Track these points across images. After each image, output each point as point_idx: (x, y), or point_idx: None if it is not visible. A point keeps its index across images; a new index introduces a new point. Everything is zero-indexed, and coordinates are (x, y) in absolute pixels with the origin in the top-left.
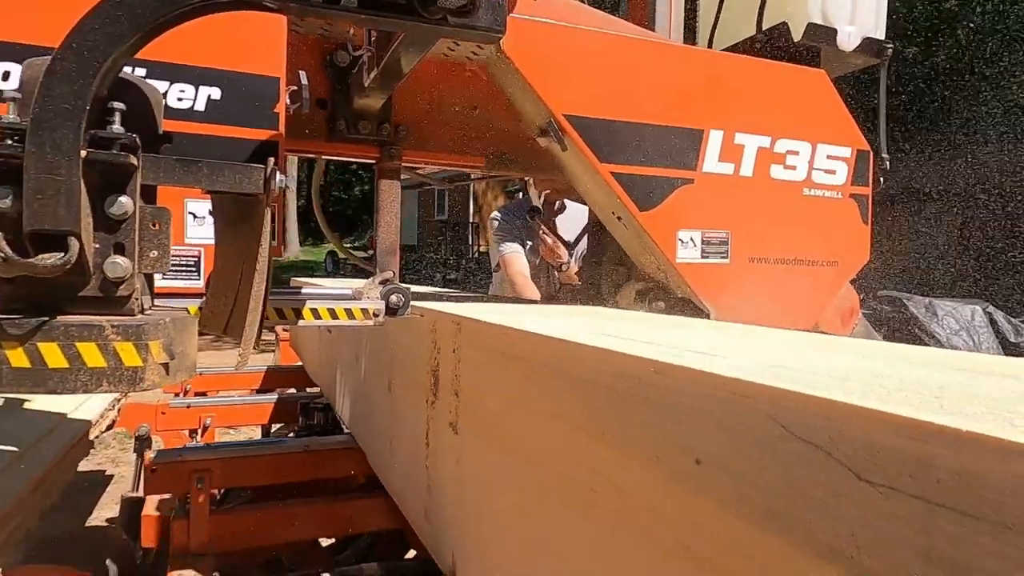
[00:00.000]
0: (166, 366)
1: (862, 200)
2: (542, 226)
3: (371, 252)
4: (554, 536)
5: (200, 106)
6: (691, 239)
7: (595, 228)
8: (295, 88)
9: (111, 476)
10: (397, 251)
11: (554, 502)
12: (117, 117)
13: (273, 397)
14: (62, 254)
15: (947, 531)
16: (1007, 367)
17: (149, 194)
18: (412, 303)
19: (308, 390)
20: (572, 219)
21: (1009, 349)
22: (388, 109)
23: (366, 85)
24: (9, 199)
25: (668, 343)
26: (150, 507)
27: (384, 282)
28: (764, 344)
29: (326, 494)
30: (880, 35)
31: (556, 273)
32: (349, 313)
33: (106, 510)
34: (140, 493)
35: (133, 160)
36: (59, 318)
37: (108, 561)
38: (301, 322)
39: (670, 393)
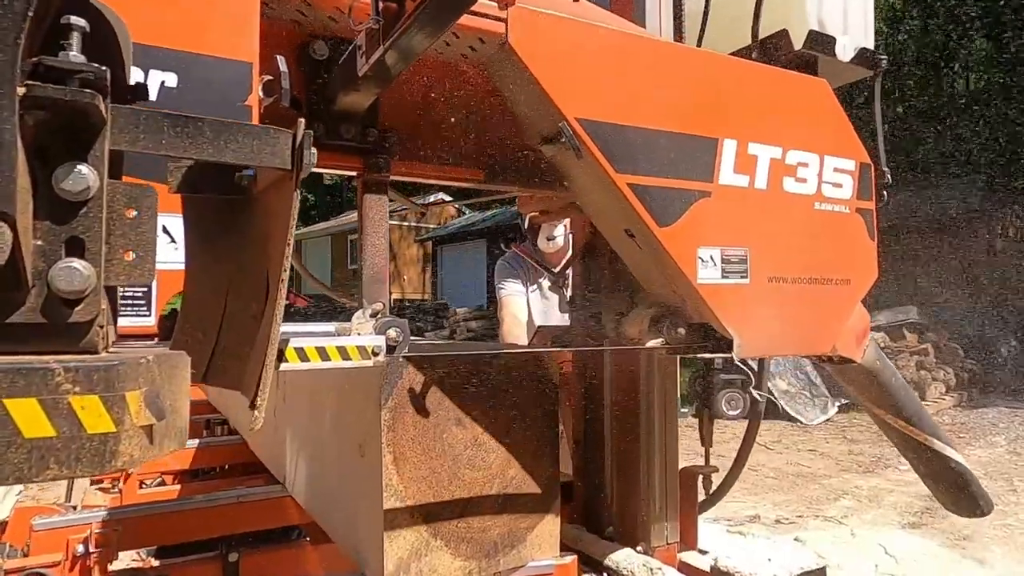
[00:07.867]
0: (150, 430)
1: (867, 215)
2: (519, 252)
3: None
4: (324, 442)
5: (151, 95)
6: (711, 257)
7: (583, 253)
8: (270, 78)
9: None
10: (387, 279)
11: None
12: (75, 39)
13: None
14: None
15: None
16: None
17: (114, 168)
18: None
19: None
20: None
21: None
22: (375, 111)
23: (360, 73)
24: None
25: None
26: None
27: (375, 314)
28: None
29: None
30: (870, 45)
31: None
32: (343, 352)
33: None
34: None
35: (101, 106)
36: None
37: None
38: (285, 365)
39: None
